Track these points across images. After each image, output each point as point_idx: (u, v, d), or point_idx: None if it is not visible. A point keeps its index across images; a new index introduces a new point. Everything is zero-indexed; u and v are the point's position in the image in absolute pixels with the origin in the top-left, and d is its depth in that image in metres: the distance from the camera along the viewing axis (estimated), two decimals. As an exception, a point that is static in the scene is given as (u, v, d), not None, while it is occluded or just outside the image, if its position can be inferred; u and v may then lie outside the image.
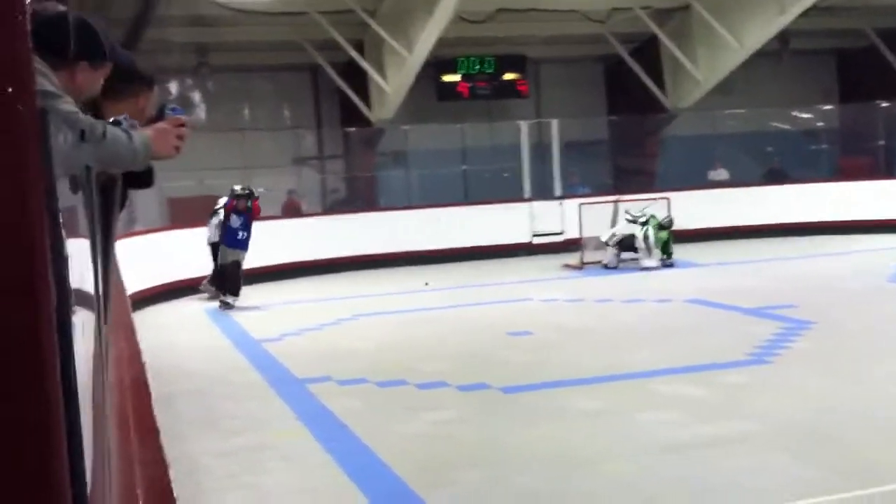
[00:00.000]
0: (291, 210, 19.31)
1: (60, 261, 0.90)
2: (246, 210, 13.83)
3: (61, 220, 1.00)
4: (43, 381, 0.79)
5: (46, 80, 2.00)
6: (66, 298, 0.94)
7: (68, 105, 2.09)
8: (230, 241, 13.82)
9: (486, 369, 8.79)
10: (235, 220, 13.82)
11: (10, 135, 0.76)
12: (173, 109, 2.64)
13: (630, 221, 15.99)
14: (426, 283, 14.85)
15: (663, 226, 16.01)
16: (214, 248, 14.41)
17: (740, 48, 19.03)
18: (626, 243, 15.88)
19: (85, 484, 0.98)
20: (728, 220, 18.99)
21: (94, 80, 2.42)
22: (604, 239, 16.08)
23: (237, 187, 14.16)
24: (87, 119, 2.15)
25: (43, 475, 0.80)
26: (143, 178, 3.23)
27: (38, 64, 1.95)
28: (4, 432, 0.78)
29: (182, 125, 2.58)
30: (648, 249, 15.77)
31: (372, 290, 14.76)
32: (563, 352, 9.58)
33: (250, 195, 13.96)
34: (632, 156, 21.98)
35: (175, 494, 2.19)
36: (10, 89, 0.76)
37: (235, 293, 13.80)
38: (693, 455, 6.08)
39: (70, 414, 0.87)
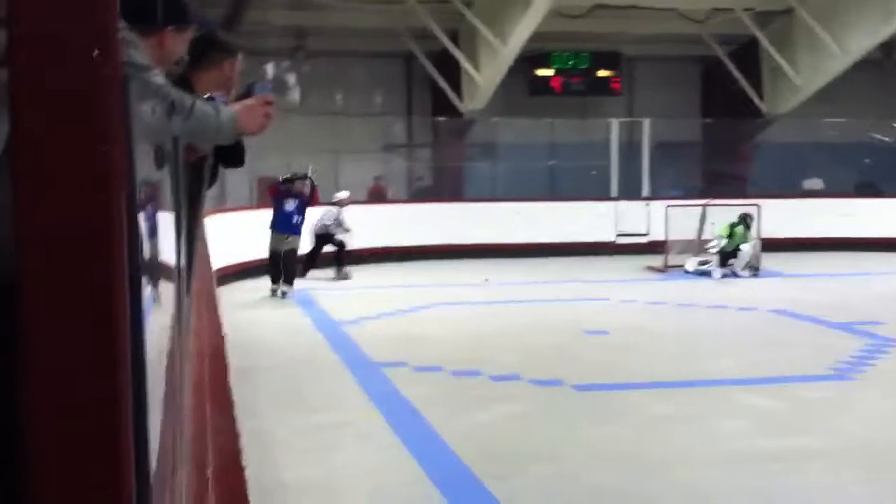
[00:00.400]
0: (377, 195, 19.50)
1: (136, 228, 0.94)
2: (299, 194, 13.43)
3: (140, 188, 1.02)
4: (112, 342, 0.81)
5: (137, 51, 2.05)
6: (138, 265, 0.98)
7: (158, 77, 2.15)
8: (283, 226, 13.35)
9: (560, 366, 8.77)
10: (290, 204, 13.40)
11: (96, 100, 0.77)
12: (261, 87, 2.70)
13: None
14: (486, 280, 14.70)
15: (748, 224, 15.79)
16: (319, 238, 14.98)
17: (842, 55, 18.52)
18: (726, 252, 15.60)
19: (147, 446, 1.01)
20: (819, 230, 18.54)
21: (180, 43, 2.49)
22: (711, 248, 15.80)
23: (302, 171, 13.90)
24: (176, 92, 2.22)
25: (108, 436, 0.82)
26: (234, 157, 3.32)
27: (128, 35, 2.00)
28: (74, 388, 0.81)
29: (269, 103, 2.62)
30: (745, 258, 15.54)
31: (452, 279, 14.84)
32: (640, 354, 9.50)
33: (305, 178, 13.58)
34: (724, 160, 21.61)
35: (245, 463, 2.26)
36: (95, 53, 0.76)
37: (291, 282, 13.35)
38: (764, 468, 5.97)
39: (137, 377, 0.90)
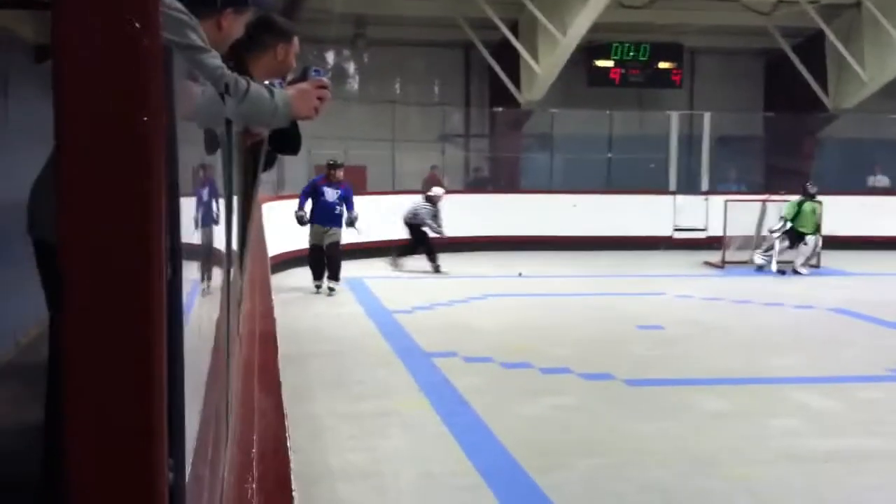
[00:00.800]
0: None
1: (177, 203, 0.95)
2: (339, 183, 12.50)
3: (188, 167, 1.03)
4: (148, 323, 0.83)
5: (195, 33, 2.08)
6: (178, 245, 0.99)
7: (214, 59, 2.17)
8: (324, 217, 12.41)
9: (612, 360, 8.71)
10: (331, 194, 12.42)
11: (136, 70, 0.78)
12: (316, 72, 2.70)
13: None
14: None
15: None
16: (411, 229, 14.87)
17: (911, 50, 18.09)
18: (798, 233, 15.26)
19: (183, 423, 1.02)
20: (883, 229, 18.15)
21: (237, 25, 2.51)
22: (774, 233, 15.50)
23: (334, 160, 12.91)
24: (231, 74, 2.23)
25: (142, 411, 0.83)
26: (289, 145, 3.34)
27: (187, 17, 2.03)
28: (110, 364, 0.83)
29: (323, 87, 2.61)
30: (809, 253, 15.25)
31: (505, 271, 14.82)
32: (694, 349, 9.40)
33: (341, 165, 12.70)
34: (786, 155, 21.24)
35: (291, 446, 2.28)
36: (137, 25, 0.77)
37: (337, 277, 12.53)
38: (817, 467, 5.88)
39: (173, 355, 0.91)
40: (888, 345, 9.63)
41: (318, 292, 12.43)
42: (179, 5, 2.13)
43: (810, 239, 15.20)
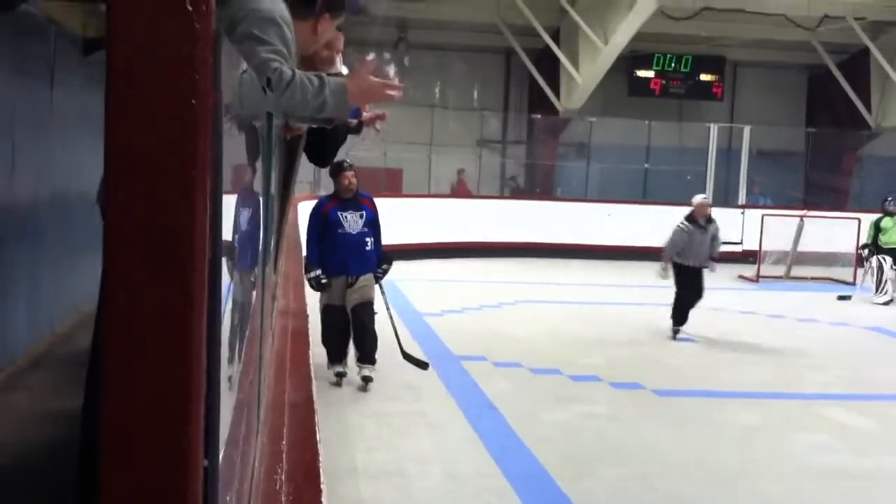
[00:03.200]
0: (461, 189, 19.52)
1: (219, 193, 0.97)
2: (359, 199, 7.84)
3: (224, 142, 1.04)
4: (190, 309, 0.85)
5: (279, 30, 2.14)
6: (219, 235, 1.01)
7: (269, 53, 2.16)
8: (346, 260, 7.70)
9: (642, 370, 8.68)
10: (352, 220, 7.73)
11: (185, 50, 0.80)
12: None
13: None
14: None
15: None
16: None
17: (957, 68, 17.84)
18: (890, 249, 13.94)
19: (218, 411, 1.04)
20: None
21: (330, 30, 2.60)
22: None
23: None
24: (278, 67, 2.16)
25: (179, 397, 0.86)
26: (321, 155, 3.36)
27: (286, 13, 2.11)
28: (149, 352, 0.85)
29: (395, 87, 2.43)
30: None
31: (538, 277, 14.79)
32: (725, 362, 9.33)
33: (350, 167, 7.92)
34: (826, 171, 21.02)
35: (319, 437, 2.31)
36: (189, 7, 0.80)
37: (373, 358, 7.65)
38: (848, 485, 5.83)
39: (211, 346, 0.93)
40: (924, 366, 9.51)
41: (338, 383, 7.59)
42: (282, 6, 2.21)
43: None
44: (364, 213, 7.76)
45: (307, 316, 4.19)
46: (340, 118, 2.49)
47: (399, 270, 14.65)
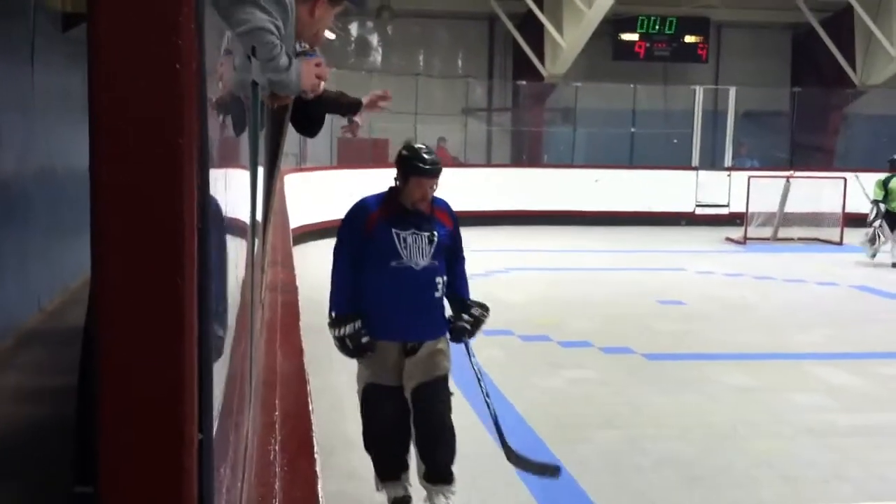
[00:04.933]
0: (442, 158, 19.41)
1: (206, 164, 0.95)
2: (427, 199, 4.73)
3: (210, 110, 1.03)
4: (182, 280, 0.84)
5: (279, 4, 2.12)
6: (208, 205, 0.99)
7: (266, 21, 2.13)
8: (403, 310, 4.60)
9: (632, 334, 8.71)
10: (416, 248, 4.62)
11: (169, 15, 0.79)
12: (310, 55, 2.68)
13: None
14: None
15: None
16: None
17: (942, 25, 17.83)
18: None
19: (211, 383, 1.03)
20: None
21: (327, 17, 2.57)
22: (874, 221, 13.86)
23: None
24: (267, 39, 2.16)
25: (172, 369, 0.85)
26: (310, 126, 3.34)
27: None
28: (140, 323, 0.84)
29: (318, 65, 2.60)
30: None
31: (527, 245, 14.81)
32: (714, 325, 9.38)
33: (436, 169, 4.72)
34: (812, 131, 21.04)
35: (312, 407, 2.31)
36: None
37: (450, 476, 4.67)
38: (839, 442, 5.88)
39: (203, 322, 0.92)
40: (911, 323, 9.58)
41: None
42: None
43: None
44: (436, 233, 4.56)
45: (297, 288, 4.18)
46: (291, 93, 2.59)
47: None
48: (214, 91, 1.07)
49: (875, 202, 13.85)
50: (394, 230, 4.45)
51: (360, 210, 4.56)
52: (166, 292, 0.84)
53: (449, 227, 4.65)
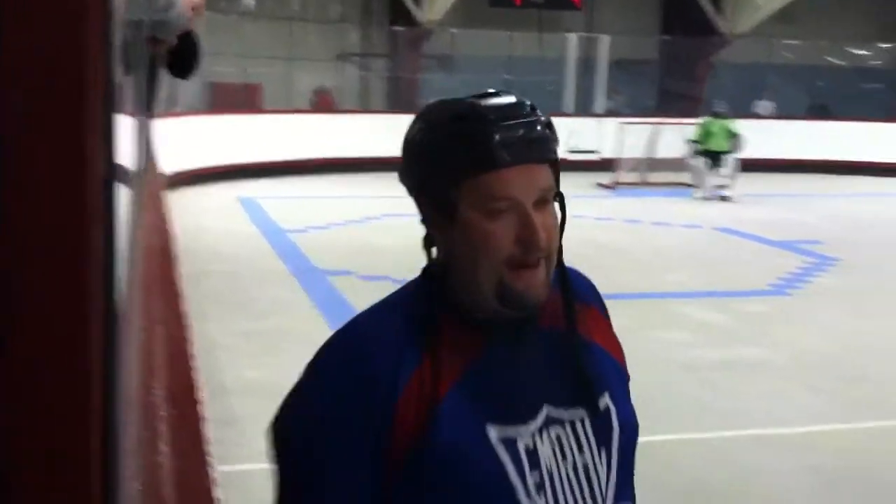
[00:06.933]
0: (323, 106, 19.16)
1: (111, 95, 0.93)
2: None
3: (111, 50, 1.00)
4: (82, 223, 0.83)
5: None
6: (113, 142, 0.97)
7: None
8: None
9: (509, 277, 8.86)
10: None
11: None
12: None
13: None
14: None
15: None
16: None
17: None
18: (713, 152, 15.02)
19: (115, 328, 1.02)
20: (770, 152, 18.71)
21: None
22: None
23: None
24: None
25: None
26: (184, 67, 3.25)
27: None
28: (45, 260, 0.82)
29: None
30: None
31: (403, 191, 14.77)
32: (584, 267, 9.52)
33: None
34: (680, 79, 21.62)
35: (193, 352, 2.29)
36: None
37: None
38: (709, 376, 6.17)
39: (107, 268, 0.91)
40: (770, 262, 10.06)
41: None
42: None
43: (727, 159, 15.05)
44: (607, 399, 1.38)
45: (169, 232, 4.10)
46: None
47: (260, 188, 14.46)
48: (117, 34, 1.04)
49: (692, 141, 15.29)
50: (491, 430, 1.26)
51: (363, 378, 1.23)
52: (71, 233, 0.83)
53: (614, 355, 1.48)
